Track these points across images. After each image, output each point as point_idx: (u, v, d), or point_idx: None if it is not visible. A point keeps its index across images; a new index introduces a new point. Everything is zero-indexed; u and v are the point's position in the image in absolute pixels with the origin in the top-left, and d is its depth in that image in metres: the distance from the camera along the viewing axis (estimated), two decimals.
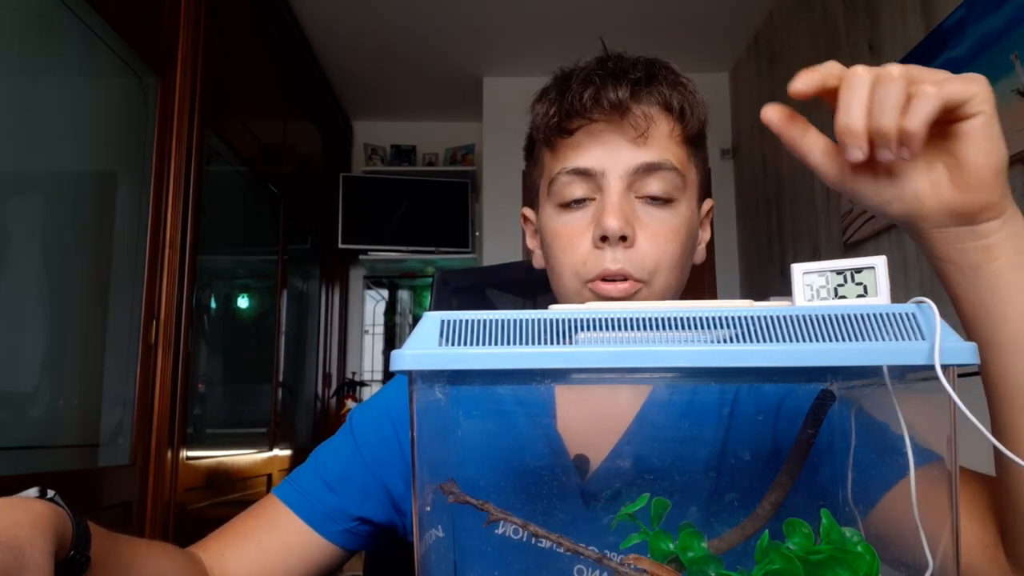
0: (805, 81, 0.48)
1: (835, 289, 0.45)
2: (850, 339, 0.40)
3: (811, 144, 0.51)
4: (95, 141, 1.67)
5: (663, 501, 0.48)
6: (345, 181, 3.86)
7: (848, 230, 2.35)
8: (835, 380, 0.48)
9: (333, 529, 0.71)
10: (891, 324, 0.41)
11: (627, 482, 0.56)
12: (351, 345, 4.08)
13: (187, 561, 0.64)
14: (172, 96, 1.93)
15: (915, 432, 0.44)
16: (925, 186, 0.48)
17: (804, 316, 0.41)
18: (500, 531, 0.55)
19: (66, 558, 0.47)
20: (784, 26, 2.97)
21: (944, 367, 0.39)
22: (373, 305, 4.26)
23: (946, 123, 0.46)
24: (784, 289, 0.47)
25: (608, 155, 0.64)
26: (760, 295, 0.44)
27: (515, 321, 0.42)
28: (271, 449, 2.85)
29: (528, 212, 0.76)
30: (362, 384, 4.01)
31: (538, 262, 0.74)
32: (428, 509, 0.47)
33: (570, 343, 0.41)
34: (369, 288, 4.22)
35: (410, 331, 0.43)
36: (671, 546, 0.46)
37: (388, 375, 3.21)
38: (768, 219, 3.12)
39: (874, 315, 0.41)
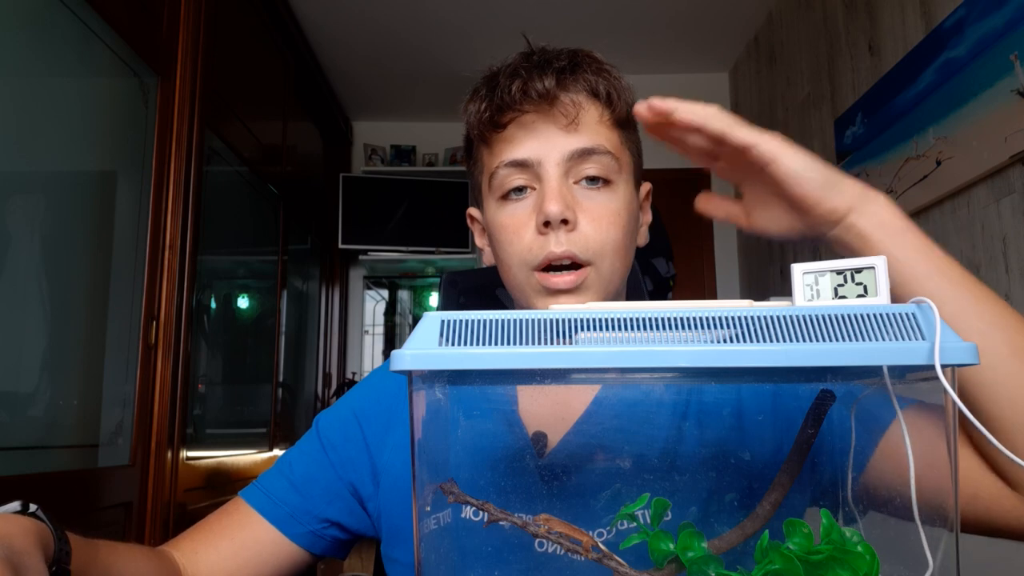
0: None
1: (835, 289, 0.45)
2: (850, 339, 0.40)
3: (728, 211, 0.65)
4: (95, 141, 1.67)
5: (663, 501, 0.48)
6: (345, 181, 3.86)
7: None
8: (835, 380, 0.48)
9: (298, 531, 0.71)
10: (891, 324, 0.41)
11: (583, 460, 0.59)
12: (351, 345, 4.08)
13: (162, 562, 0.65)
14: (172, 96, 1.93)
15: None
16: (790, 220, 0.60)
17: (804, 316, 0.41)
18: (464, 515, 0.56)
19: (50, 572, 0.48)
20: (784, 26, 2.97)
21: (944, 367, 0.39)
22: (373, 305, 4.26)
23: (762, 173, 0.57)
24: (784, 289, 0.47)
25: (542, 144, 0.66)
26: (760, 295, 0.45)
27: (515, 321, 0.42)
28: (271, 449, 2.85)
29: (474, 212, 0.77)
30: None
31: (488, 259, 0.75)
32: (428, 509, 0.47)
33: (570, 343, 0.41)
34: (369, 288, 4.22)
35: (410, 331, 0.43)
36: (671, 546, 0.46)
37: None
38: None
39: (874, 315, 0.41)
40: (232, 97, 2.36)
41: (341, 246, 3.81)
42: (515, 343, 0.41)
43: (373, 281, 4.24)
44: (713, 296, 3.47)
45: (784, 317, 0.41)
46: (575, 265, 0.65)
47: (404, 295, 4.40)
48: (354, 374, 4.03)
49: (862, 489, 0.52)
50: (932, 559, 0.43)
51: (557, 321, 0.42)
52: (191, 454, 2.04)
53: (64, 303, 1.54)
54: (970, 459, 0.56)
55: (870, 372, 0.44)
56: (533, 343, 0.41)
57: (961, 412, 0.40)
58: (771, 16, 3.08)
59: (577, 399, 0.67)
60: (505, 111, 0.66)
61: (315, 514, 0.72)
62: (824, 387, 0.48)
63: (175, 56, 1.94)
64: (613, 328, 0.42)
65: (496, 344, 0.41)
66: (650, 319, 0.42)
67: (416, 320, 3.20)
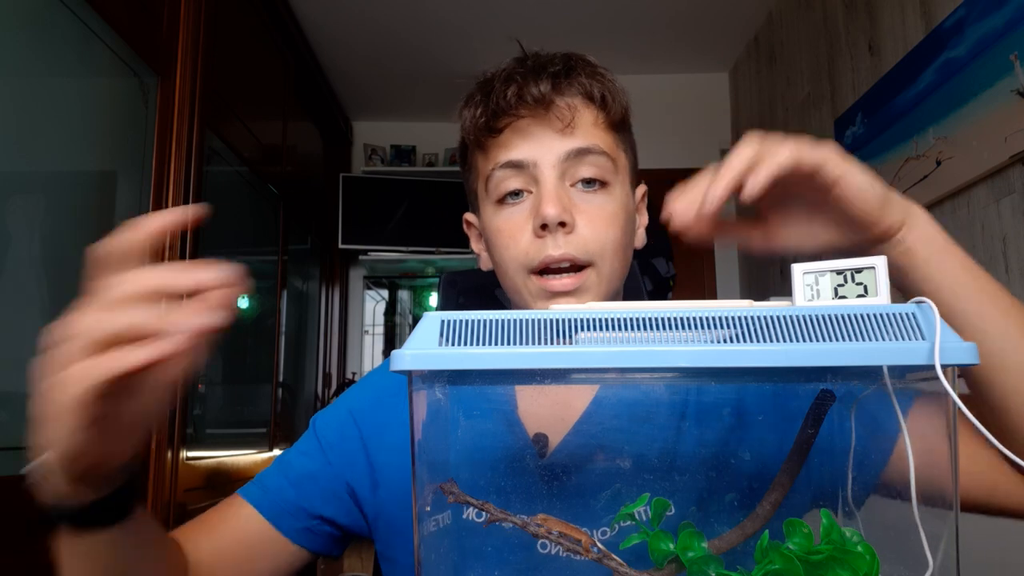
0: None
1: (835, 289, 0.45)
2: (850, 339, 0.40)
3: (740, 234, 0.60)
4: (95, 141, 1.67)
5: (663, 501, 0.48)
6: (345, 181, 3.86)
7: None
8: (835, 380, 0.48)
9: (293, 527, 0.71)
10: (891, 324, 0.41)
11: (584, 460, 0.59)
12: (351, 345, 4.08)
13: (176, 546, 0.65)
14: (172, 96, 1.93)
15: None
16: (835, 236, 0.57)
17: (804, 316, 0.41)
18: (466, 515, 0.56)
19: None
20: (784, 26, 2.97)
21: (944, 367, 0.39)
22: (373, 305, 4.26)
23: (819, 192, 0.55)
24: (784, 289, 0.47)
25: (538, 147, 0.66)
26: (760, 295, 0.45)
27: (515, 321, 0.42)
28: (271, 449, 2.85)
29: (470, 217, 0.77)
30: None
31: (485, 264, 0.75)
32: (428, 509, 0.47)
33: (570, 343, 0.41)
34: (369, 288, 4.22)
35: (410, 331, 0.43)
36: (671, 546, 0.46)
37: None
38: None
39: (874, 315, 0.41)
40: (232, 97, 2.36)
41: (341, 246, 3.81)
42: (515, 343, 0.41)
43: (373, 281, 4.24)
44: (713, 296, 3.47)
45: (784, 317, 0.41)
46: (575, 268, 0.65)
47: (404, 295, 4.40)
48: (354, 374, 4.03)
49: (882, 492, 0.52)
50: (932, 559, 0.43)
51: (557, 321, 0.42)
52: (191, 454, 2.03)
53: (64, 303, 1.54)
54: (986, 453, 0.56)
55: (870, 372, 0.44)
56: (533, 343, 0.41)
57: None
58: (771, 16, 3.08)
59: (577, 399, 0.67)
60: (501, 116, 0.67)
61: (310, 511, 0.72)
62: (824, 387, 0.48)
63: (175, 56, 1.94)
64: (613, 328, 0.42)
65: (496, 344, 0.41)
66: (650, 319, 0.42)
67: (416, 320, 3.20)
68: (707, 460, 0.58)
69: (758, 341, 0.40)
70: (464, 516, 0.56)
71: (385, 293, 4.34)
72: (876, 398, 0.47)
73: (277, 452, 2.91)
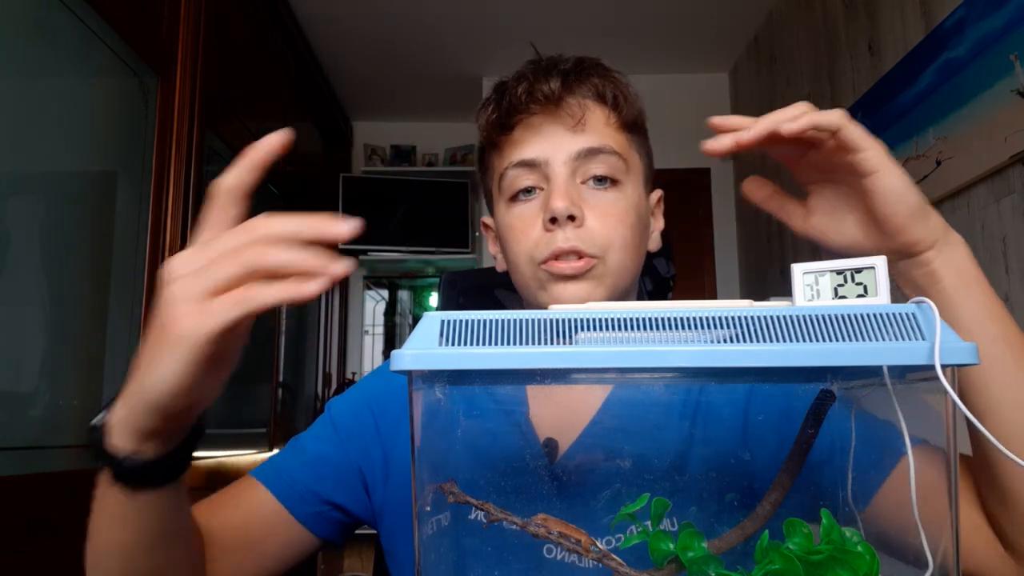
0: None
1: (835, 289, 0.45)
2: (850, 339, 0.40)
3: (783, 205, 0.62)
4: (95, 141, 1.67)
5: (663, 501, 0.48)
6: (345, 181, 3.86)
7: None
8: (835, 380, 0.48)
9: (305, 510, 0.71)
10: (891, 324, 0.41)
11: (594, 464, 0.59)
12: (351, 345, 4.08)
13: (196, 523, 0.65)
14: (172, 96, 1.93)
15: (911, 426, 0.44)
16: (860, 236, 0.56)
17: (804, 316, 0.41)
18: (472, 516, 0.56)
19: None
20: (784, 26, 2.97)
21: (944, 367, 0.39)
22: (373, 305, 4.26)
23: (855, 181, 0.54)
24: (784, 289, 0.47)
25: (549, 145, 0.67)
26: (760, 295, 0.45)
27: (515, 321, 0.42)
28: (271, 449, 2.84)
29: (488, 220, 0.78)
30: None
31: (500, 265, 0.75)
32: (428, 509, 0.47)
33: (570, 343, 0.41)
34: (369, 288, 4.22)
35: (410, 331, 0.43)
36: (671, 546, 0.46)
37: None
38: (768, 219, 3.12)
39: (874, 315, 0.41)
40: (232, 97, 2.36)
41: (341, 246, 3.81)
42: (515, 343, 0.41)
43: (373, 281, 4.24)
44: (713, 296, 3.47)
45: (784, 317, 0.41)
46: (582, 258, 0.65)
47: (404, 295, 4.40)
48: (354, 374, 4.03)
49: (868, 520, 0.51)
50: (932, 559, 0.43)
51: (557, 321, 0.42)
52: None
53: (64, 303, 1.54)
54: (974, 517, 0.56)
55: (870, 372, 0.44)
56: (533, 343, 0.41)
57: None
58: (771, 16, 3.08)
59: (586, 404, 0.67)
60: (512, 114, 0.68)
61: (323, 496, 0.72)
62: (824, 387, 0.48)
63: (175, 56, 1.94)
64: (613, 328, 0.42)
65: (496, 344, 0.41)
66: (650, 319, 0.42)
67: (416, 320, 3.20)
68: (715, 461, 0.57)
69: (758, 341, 0.40)
70: (471, 517, 0.56)
71: (385, 293, 4.34)
72: (883, 406, 0.47)
73: (277, 452, 2.91)
